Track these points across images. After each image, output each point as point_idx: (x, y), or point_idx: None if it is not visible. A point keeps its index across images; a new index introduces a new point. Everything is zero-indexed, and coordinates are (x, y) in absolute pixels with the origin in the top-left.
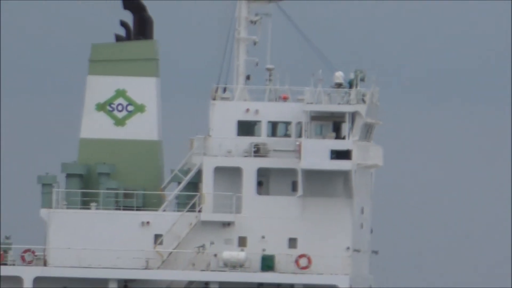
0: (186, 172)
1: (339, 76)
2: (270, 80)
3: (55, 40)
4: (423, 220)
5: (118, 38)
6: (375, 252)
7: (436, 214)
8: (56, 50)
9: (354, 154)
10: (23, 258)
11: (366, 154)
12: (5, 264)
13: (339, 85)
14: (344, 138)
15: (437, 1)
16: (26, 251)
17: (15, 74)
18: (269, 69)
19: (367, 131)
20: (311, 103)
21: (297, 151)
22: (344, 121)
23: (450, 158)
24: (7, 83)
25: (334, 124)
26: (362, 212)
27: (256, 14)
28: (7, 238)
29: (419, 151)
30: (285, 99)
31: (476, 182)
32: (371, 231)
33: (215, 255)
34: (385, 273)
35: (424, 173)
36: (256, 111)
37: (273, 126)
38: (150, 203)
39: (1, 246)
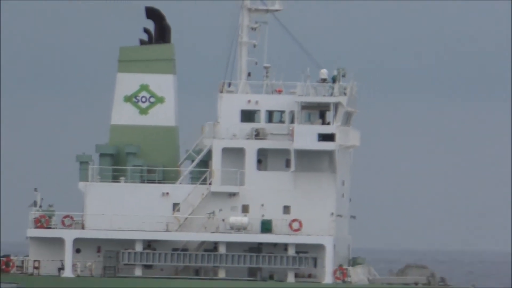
0: (198, 152)
1: (324, 73)
2: (267, 76)
3: (90, 43)
4: (392, 190)
5: (142, 42)
6: (353, 217)
7: (402, 184)
8: (91, 52)
9: (337, 137)
10: (63, 223)
11: (346, 137)
12: (50, 228)
13: (323, 80)
14: (328, 124)
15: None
16: (65, 216)
17: (59, 71)
18: (266, 67)
19: (347, 118)
20: (302, 95)
21: (290, 135)
22: (328, 110)
23: (415, 138)
24: (53, 80)
25: (320, 112)
26: (343, 184)
27: (256, 22)
28: (50, 206)
29: (389, 134)
30: (279, 92)
31: (432, 157)
32: (350, 200)
33: (223, 220)
34: (361, 235)
35: (393, 151)
36: (256, 102)
37: (270, 114)
38: (169, 177)
39: (46, 213)
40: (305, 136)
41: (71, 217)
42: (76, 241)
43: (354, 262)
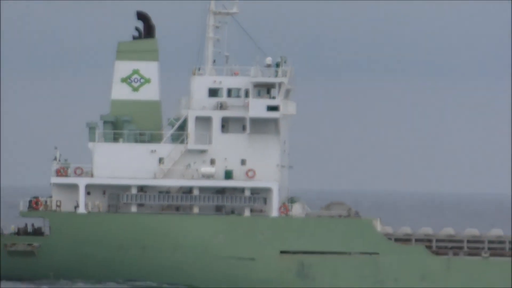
0: (177, 120)
1: (269, 60)
2: (227, 62)
3: (95, 36)
4: (321, 147)
5: (134, 38)
6: (291, 167)
7: (331, 141)
8: (94, 43)
9: (280, 108)
10: (75, 172)
11: (287, 108)
12: (67, 176)
13: (268, 66)
14: (274, 98)
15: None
16: (77, 168)
17: (68, 57)
18: (226, 56)
19: (287, 93)
20: (254, 77)
21: (246, 106)
22: (274, 88)
23: (338, 105)
24: (62, 64)
25: (267, 89)
26: (284, 143)
27: (219, 22)
28: (66, 160)
29: (319, 105)
30: (236, 74)
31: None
32: (288, 155)
33: (197, 170)
34: (296, 180)
35: (321, 118)
36: (220, 82)
37: (230, 91)
38: (155, 138)
39: (64, 165)
40: (257, 107)
41: (81, 168)
42: (87, 186)
43: (291, 200)
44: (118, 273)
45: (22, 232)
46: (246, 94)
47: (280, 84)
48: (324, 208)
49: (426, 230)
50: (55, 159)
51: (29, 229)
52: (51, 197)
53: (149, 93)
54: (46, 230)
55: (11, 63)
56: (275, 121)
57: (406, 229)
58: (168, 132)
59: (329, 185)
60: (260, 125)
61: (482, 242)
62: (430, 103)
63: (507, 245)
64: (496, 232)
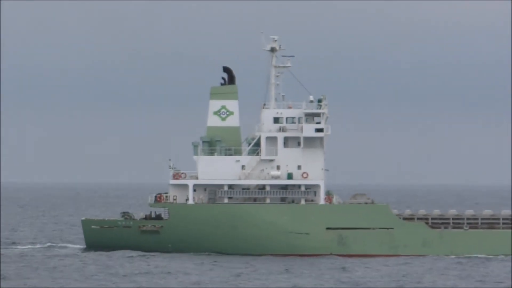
0: (253, 139)
1: (311, 98)
2: (283, 100)
3: (196, 83)
4: (352, 154)
5: (221, 84)
6: (327, 170)
7: (360, 153)
8: (196, 88)
9: (324, 130)
10: (179, 176)
11: (327, 130)
12: (180, 179)
13: (311, 101)
14: (319, 123)
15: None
16: (180, 173)
17: (181, 98)
18: (283, 96)
19: (326, 119)
20: (306, 109)
21: (300, 129)
22: (318, 116)
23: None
24: (178, 103)
25: (313, 117)
26: (324, 153)
27: (278, 72)
28: (175, 168)
29: (346, 129)
30: (290, 107)
31: None
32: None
33: (268, 173)
34: (328, 179)
35: (348, 137)
36: (281, 113)
37: (287, 119)
38: (237, 152)
39: (177, 171)
40: (309, 130)
41: (185, 173)
42: (194, 185)
43: (328, 193)
44: (216, 246)
45: (148, 217)
46: (299, 121)
47: (323, 114)
48: (352, 198)
49: (422, 211)
50: (170, 167)
51: (153, 215)
52: (166, 193)
53: (232, 121)
54: (165, 216)
55: (130, 99)
56: (320, 139)
57: (408, 211)
58: (245, 147)
59: (346, 181)
60: (310, 142)
61: (462, 219)
62: None
63: (479, 221)
64: (471, 212)
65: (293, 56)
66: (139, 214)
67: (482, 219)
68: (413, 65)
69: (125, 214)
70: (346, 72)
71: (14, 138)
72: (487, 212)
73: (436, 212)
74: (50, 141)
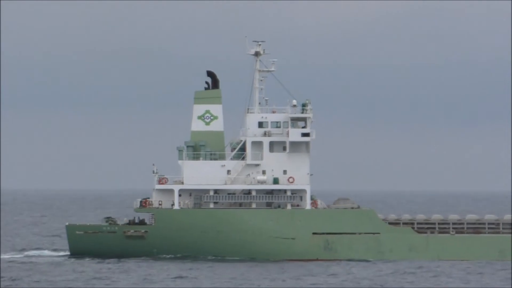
0: (238, 143)
1: (294, 102)
2: (267, 104)
3: (179, 87)
4: (336, 157)
5: (205, 88)
6: (311, 174)
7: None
8: (179, 93)
9: (310, 134)
10: (164, 181)
11: (312, 134)
12: (165, 184)
13: (294, 106)
14: (304, 127)
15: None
16: (164, 180)
17: (165, 102)
18: (266, 100)
19: (311, 124)
20: (291, 113)
21: (286, 134)
22: (303, 120)
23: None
24: (159, 107)
25: (298, 122)
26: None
27: (262, 76)
28: (160, 175)
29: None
30: (274, 112)
31: None
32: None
33: (253, 178)
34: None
35: (332, 141)
36: (266, 117)
37: (272, 123)
38: (222, 156)
39: (162, 176)
40: (295, 134)
41: (166, 179)
42: (179, 190)
43: (312, 197)
44: (201, 250)
45: (132, 223)
46: (283, 125)
47: (308, 118)
48: (335, 202)
49: (407, 216)
50: (153, 172)
51: (136, 220)
52: (148, 198)
53: (217, 126)
54: (149, 221)
55: (125, 105)
56: (306, 143)
57: (393, 216)
58: (229, 152)
59: (328, 186)
60: (296, 147)
61: (448, 223)
62: None
63: (465, 225)
64: (457, 216)
65: (276, 60)
66: (122, 219)
67: (467, 223)
68: (397, 69)
69: (109, 219)
70: (330, 76)
71: None
72: (472, 216)
73: (421, 217)
74: (29, 144)
